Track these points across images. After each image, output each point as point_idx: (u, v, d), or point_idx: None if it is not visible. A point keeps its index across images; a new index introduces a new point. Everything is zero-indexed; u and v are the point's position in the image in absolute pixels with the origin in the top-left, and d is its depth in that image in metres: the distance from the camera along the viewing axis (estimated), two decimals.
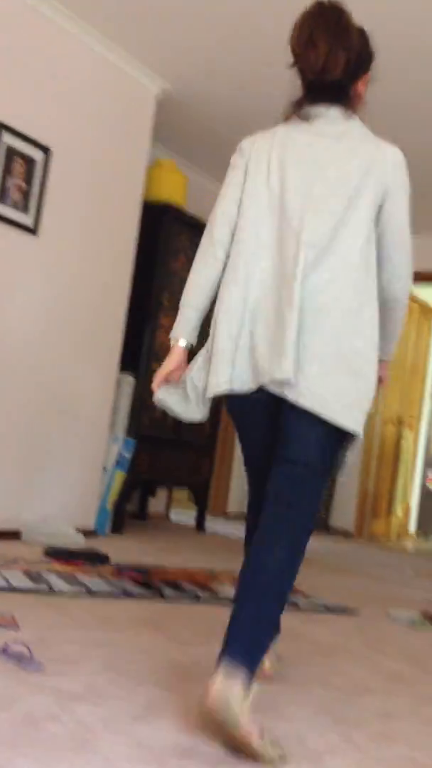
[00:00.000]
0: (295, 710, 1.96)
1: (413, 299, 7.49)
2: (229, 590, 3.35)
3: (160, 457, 5.15)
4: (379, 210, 1.99)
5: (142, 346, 4.92)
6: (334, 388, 1.89)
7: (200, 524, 5.62)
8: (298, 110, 2.07)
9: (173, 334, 2.16)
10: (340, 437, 1.94)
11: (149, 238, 4.90)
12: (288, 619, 3.01)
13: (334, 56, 1.99)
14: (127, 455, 4.70)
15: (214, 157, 5.76)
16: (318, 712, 1.97)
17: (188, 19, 3.95)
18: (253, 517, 2.11)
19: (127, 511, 5.13)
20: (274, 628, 1.88)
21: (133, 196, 4.69)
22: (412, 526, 8.11)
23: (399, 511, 7.51)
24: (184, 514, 6.22)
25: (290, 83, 2.09)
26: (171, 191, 5.08)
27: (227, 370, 1.98)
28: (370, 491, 6.93)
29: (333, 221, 1.95)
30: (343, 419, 1.89)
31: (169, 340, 2.19)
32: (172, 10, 3.90)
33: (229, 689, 1.61)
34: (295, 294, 1.89)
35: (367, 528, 6.86)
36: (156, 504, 5.93)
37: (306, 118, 2.05)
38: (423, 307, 7.81)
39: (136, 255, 4.76)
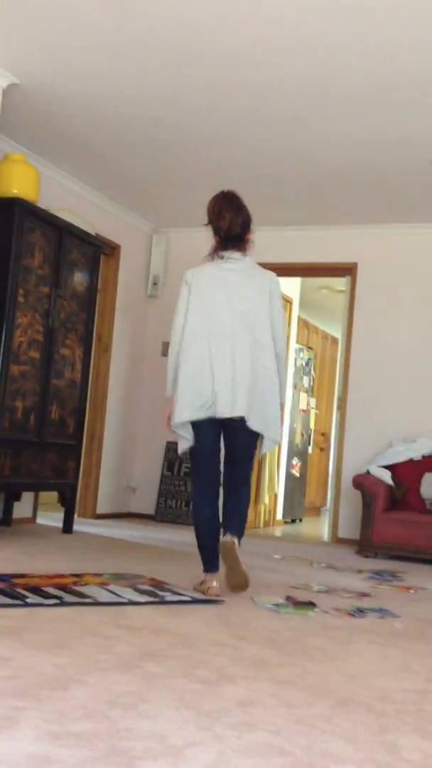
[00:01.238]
0: (157, 706, 1.95)
1: None
2: (95, 591, 3.31)
3: (23, 460, 5.02)
4: (269, 308, 3.63)
5: None
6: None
7: (68, 526, 5.52)
8: (216, 254, 3.67)
9: (167, 393, 3.66)
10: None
11: (1, 234, 4.75)
12: (152, 614, 3.01)
13: (235, 221, 3.62)
14: None
15: (66, 152, 5.66)
16: (180, 706, 1.97)
17: (34, 13, 3.84)
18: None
19: None
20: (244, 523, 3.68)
21: None
22: (280, 513, 8.30)
23: (266, 499, 7.67)
24: (52, 518, 6.10)
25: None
26: (22, 186, 4.95)
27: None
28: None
29: (247, 324, 3.57)
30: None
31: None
32: (17, 5, 3.78)
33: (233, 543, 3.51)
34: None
35: None
36: (23, 508, 5.78)
37: (221, 258, 3.65)
38: (282, 298, 7.97)
39: None
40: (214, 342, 3.53)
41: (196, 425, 3.58)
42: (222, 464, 3.71)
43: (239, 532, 3.59)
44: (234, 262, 3.62)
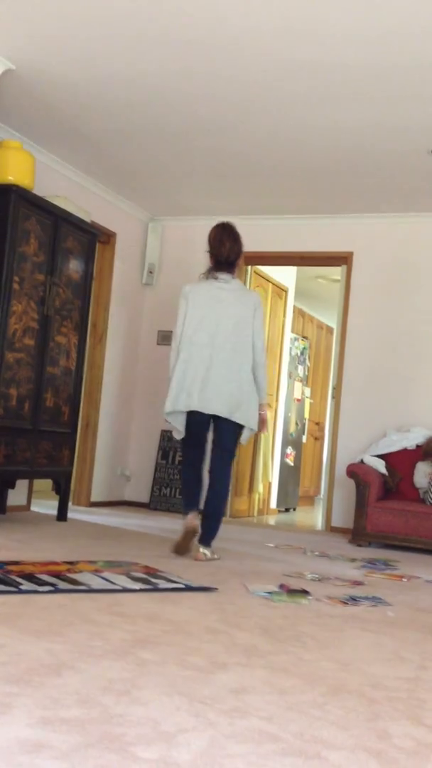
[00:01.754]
0: (150, 693, 1.96)
1: (268, 279, 7.65)
2: (89, 578, 3.32)
3: (18, 447, 5.01)
4: (252, 323, 4.34)
5: None
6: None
7: (62, 514, 5.53)
8: (210, 274, 4.40)
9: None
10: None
11: None
12: (145, 601, 3.02)
13: (232, 250, 4.37)
14: None
15: (62, 139, 5.64)
16: (172, 692, 1.98)
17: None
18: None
19: None
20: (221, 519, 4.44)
21: None
22: (274, 502, 8.31)
23: (260, 488, 7.68)
24: (47, 506, 6.10)
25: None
26: (17, 172, 4.93)
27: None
28: (232, 471, 7.03)
29: (232, 335, 4.29)
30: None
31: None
32: None
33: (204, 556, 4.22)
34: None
35: (230, 507, 6.97)
36: (17, 496, 5.78)
37: (214, 278, 4.37)
38: (277, 287, 7.98)
39: None
40: (202, 348, 4.26)
41: (187, 417, 4.36)
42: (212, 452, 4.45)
43: (210, 541, 4.35)
44: (225, 283, 4.36)
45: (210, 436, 4.47)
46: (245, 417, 4.33)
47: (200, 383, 4.26)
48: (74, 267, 5.46)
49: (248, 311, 4.32)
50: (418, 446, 6.19)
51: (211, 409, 4.27)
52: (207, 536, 4.35)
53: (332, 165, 5.70)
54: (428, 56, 4.04)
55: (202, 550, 4.28)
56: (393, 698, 2.10)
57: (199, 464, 4.47)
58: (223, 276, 4.36)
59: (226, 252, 4.35)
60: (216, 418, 4.34)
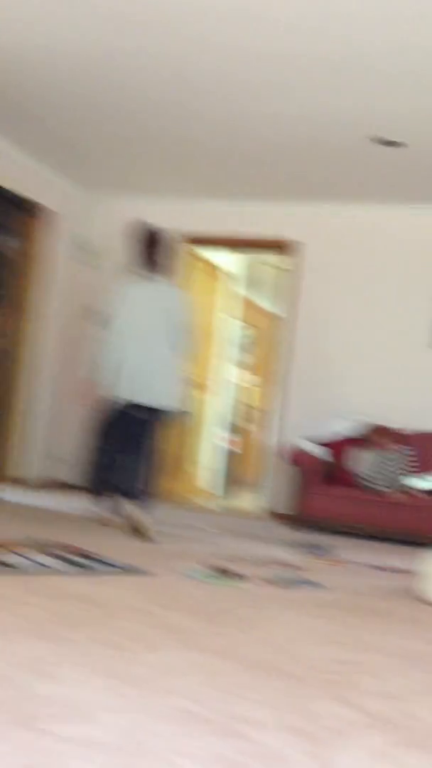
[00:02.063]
0: (72, 672, 1.88)
1: (200, 259, 7.52)
2: (16, 559, 3.22)
3: None
4: (179, 316, 4.73)
5: None
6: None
7: None
8: (141, 273, 4.72)
9: (85, 374, 4.84)
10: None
11: None
12: (78, 583, 2.94)
13: (161, 252, 4.75)
14: None
15: (19, 125, 5.45)
16: (96, 672, 1.91)
17: None
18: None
19: None
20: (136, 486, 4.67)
21: None
22: (215, 487, 8.29)
23: (196, 471, 7.64)
24: None
25: None
26: None
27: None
28: (168, 454, 6.95)
29: (161, 330, 4.65)
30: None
31: None
32: None
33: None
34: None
35: (163, 490, 6.88)
36: None
37: (144, 277, 4.74)
38: (209, 268, 7.85)
39: None
40: (132, 342, 4.62)
41: (113, 406, 4.68)
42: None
43: (131, 496, 4.62)
44: (153, 282, 4.77)
45: (128, 423, 4.73)
46: (174, 403, 4.71)
47: (130, 375, 4.58)
48: (10, 245, 5.30)
49: (176, 306, 4.75)
50: (360, 434, 6.20)
51: (141, 398, 4.59)
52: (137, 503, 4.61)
53: (278, 152, 5.63)
54: (368, 46, 3.99)
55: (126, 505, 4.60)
56: (325, 680, 2.07)
57: (114, 452, 4.82)
58: (152, 275, 4.77)
59: (154, 252, 4.76)
60: (142, 407, 4.64)
